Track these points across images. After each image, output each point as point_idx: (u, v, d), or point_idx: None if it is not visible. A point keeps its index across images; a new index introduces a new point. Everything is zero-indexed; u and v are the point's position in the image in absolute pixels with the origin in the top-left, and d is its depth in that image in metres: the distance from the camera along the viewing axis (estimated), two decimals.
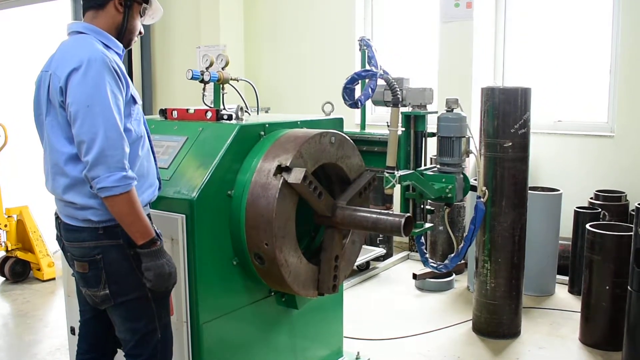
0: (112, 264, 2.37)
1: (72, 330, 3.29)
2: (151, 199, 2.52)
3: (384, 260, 5.97)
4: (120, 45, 2.48)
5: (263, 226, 2.71)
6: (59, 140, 2.32)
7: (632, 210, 5.08)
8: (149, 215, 2.50)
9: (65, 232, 2.44)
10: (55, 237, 2.61)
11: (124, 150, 2.26)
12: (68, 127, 2.28)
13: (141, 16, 2.54)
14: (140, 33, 2.59)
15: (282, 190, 2.69)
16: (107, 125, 2.21)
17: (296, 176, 2.70)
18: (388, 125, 3.15)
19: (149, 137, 2.55)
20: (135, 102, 2.42)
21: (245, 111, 3.12)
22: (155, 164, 2.58)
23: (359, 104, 3.41)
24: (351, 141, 3.12)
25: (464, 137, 3.48)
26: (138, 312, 2.45)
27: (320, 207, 2.87)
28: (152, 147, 2.57)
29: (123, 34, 2.48)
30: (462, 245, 3.82)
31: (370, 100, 3.46)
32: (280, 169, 2.72)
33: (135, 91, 2.46)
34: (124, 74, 2.36)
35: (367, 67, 3.62)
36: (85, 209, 2.33)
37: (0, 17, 10.63)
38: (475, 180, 3.99)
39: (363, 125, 4.08)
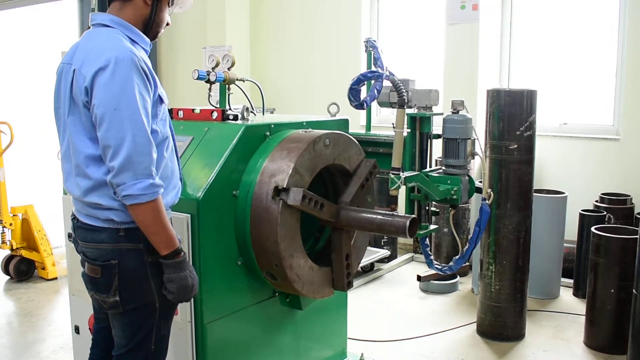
0: (127, 271, 2.27)
1: (77, 329, 3.30)
2: (174, 201, 2.43)
3: (388, 261, 5.96)
4: (148, 40, 2.37)
5: (270, 249, 2.73)
6: (81, 140, 2.21)
7: (638, 214, 5.09)
8: (170, 220, 2.43)
9: (83, 232, 2.33)
10: (69, 238, 2.54)
11: (151, 157, 2.16)
12: (92, 128, 2.18)
13: (169, 6, 2.42)
14: (167, 24, 2.47)
15: (282, 212, 2.69)
16: (135, 130, 2.11)
17: (294, 197, 2.68)
18: (393, 127, 3.15)
19: (173, 136, 2.44)
20: (162, 101, 2.32)
21: (251, 111, 3.13)
22: (179, 165, 2.50)
23: (365, 105, 3.42)
24: (346, 135, 3.06)
25: (470, 139, 3.48)
26: (141, 321, 2.36)
27: (324, 216, 2.87)
28: (175, 147, 2.48)
29: (150, 27, 2.37)
30: (466, 247, 3.82)
31: (375, 101, 3.46)
32: (278, 191, 2.69)
33: (163, 90, 2.35)
34: (152, 73, 2.25)
35: (373, 68, 3.63)
36: (108, 210, 2.24)
37: (6, 16, 10.67)
38: (481, 182, 3.99)
39: (368, 126, 4.08)
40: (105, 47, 2.17)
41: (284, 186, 2.68)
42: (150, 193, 2.15)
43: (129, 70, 2.13)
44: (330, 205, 2.90)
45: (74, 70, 2.21)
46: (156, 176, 2.19)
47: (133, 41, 2.29)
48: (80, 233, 2.36)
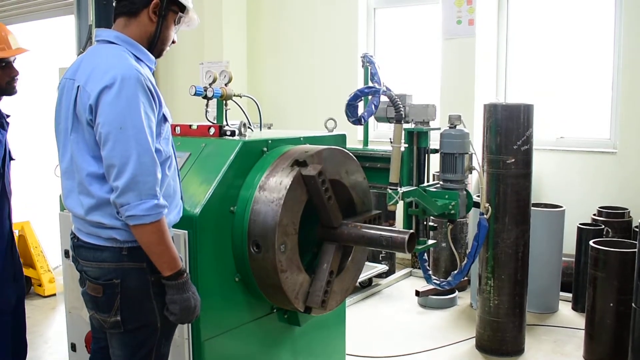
0: (129, 290, 2.24)
1: (73, 347, 3.27)
2: (176, 220, 2.41)
3: (386, 277, 5.94)
4: (153, 58, 2.37)
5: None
6: (84, 158, 2.19)
7: (636, 227, 5.08)
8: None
9: (84, 251, 2.31)
10: (66, 255, 2.50)
11: (156, 177, 2.14)
12: (95, 146, 2.16)
13: (176, 24, 2.41)
14: (173, 42, 2.46)
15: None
16: (140, 150, 2.09)
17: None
18: (391, 142, 3.15)
19: (174, 155, 2.42)
20: (166, 120, 2.31)
21: (248, 127, 3.12)
22: (180, 184, 2.47)
23: (362, 120, 3.42)
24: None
25: (467, 153, 3.48)
26: (142, 340, 2.32)
27: (327, 214, 2.83)
28: (177, 166, 2.46)
29: (155, 44, 2.36)
30: (465, 262, 3.81)
31: (373, 116, 3.47)
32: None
33: (167, 108, 2.33)
34: (157, 92, 2.24)
35: (370, 84, 3.63)
36: (111, 229, 2.22)
37: None
38: (478, 196, 3.99)
39: (366, 141, 4.08)
40: (111, 64, 2.16)
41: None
42: (154, 214, 2.13)
43: (134, 89, 2.11)
44: (337, 208, 2.88)
45: (78, 87, 2.18)
46: (160, 197, 2.17)
47: (138, 59, 2.28)
48: (81, 252, 2.33)
